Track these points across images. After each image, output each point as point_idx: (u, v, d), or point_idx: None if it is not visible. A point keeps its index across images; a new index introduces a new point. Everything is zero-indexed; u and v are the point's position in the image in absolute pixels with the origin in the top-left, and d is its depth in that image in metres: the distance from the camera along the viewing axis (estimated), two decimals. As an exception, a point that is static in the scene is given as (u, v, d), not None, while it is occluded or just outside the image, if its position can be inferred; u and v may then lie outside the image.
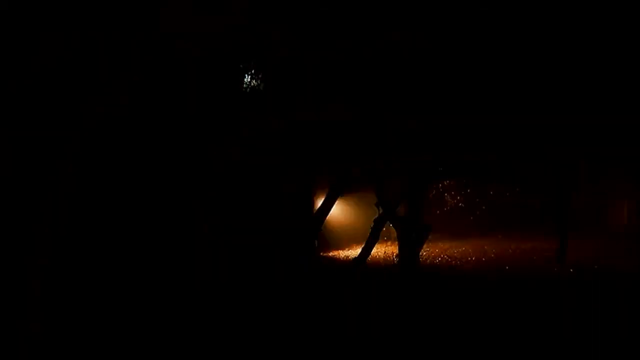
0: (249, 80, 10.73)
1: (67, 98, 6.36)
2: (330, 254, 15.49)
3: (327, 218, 12.68)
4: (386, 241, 17.40)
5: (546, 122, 9.38)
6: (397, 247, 12.13)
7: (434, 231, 14.29)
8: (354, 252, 14.98)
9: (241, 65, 10.48)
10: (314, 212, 12.68)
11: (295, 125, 9.80)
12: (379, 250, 15.19)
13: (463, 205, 19.97)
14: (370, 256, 12.48)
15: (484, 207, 19.85)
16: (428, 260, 13.30)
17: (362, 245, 12.33)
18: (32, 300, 6.17)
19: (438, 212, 19.27)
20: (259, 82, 10.73)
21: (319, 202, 12.69)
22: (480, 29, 7.85)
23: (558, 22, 7.89)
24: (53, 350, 6.12)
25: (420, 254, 12.10)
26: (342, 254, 15.59)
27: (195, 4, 6.32)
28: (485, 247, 15.56)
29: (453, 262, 13.13)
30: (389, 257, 14.10)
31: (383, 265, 12.74)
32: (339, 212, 16.92)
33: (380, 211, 11.90)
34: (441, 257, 13.90)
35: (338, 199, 12.83)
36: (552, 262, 12.23)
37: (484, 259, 13.32)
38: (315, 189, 14.05)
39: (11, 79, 6.03)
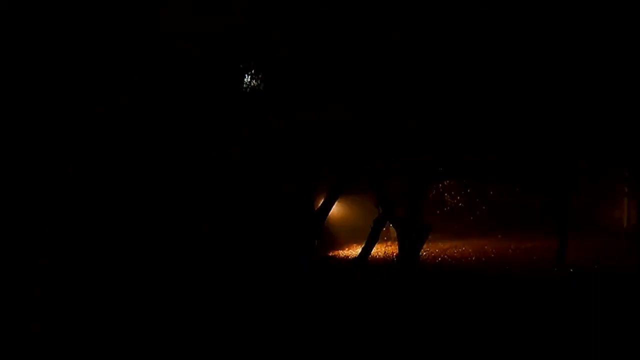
0: (249, 80, 10.74)
1: (67, 98, 6.36)
2: (331, 253, 15.49)
3: (327, 218, 12.68)
4: (386, 241, 17.39)
5: (546, 122, 9.38)
6: (397, 247, 12.13)
7: (434, 231, 14.27)
8: (354, 252, 14.98)
9: (241, 65, 10.49)
10: (314, 212, 12.68)
11: (295, 125, 9.80)
12: (379, 250, 15.19)
13: (463, 205, 19.94)
14: (370, 256, 12.49)
15: (484, 207, 19.82)
16: (428, 260, 13.30)
17: (362, 245, 12.34)
18: (32, 300, 6.17)
19: (438, 212, 19.24)
20: (259, 82, 10.75)
21: (319, 202, 12.70)
22: (480, 28, 7.86)
23: (558, 21, 7.89)
24: (53, 351, 6.12)
25: (420, 254, 12.09)
26: (342, 254, 15.59)
27: (195, 4, 6.32)
28: (485, 247, 15.55)
29: (453, 262, 13.13)
30: (389, 257, 14.10)
31: (383, 265, 12.74)
32: (339, 212, 16.92)
33: (380, 211, 11.91)
34: (441, 257, 13.90)
35: (338, 199, 12.84)
36: (552, 262, 12.22)
37: (484, 259, 13.32)
38: (316, 189, 14.07)
39: (11, 79, 6.03)
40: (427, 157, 11.00)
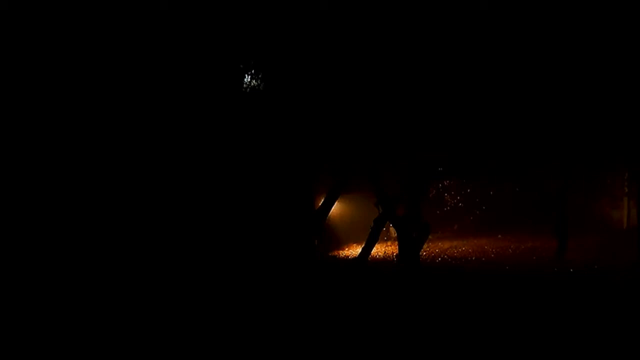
0: (249, 80, 10.77)
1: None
2: (331, 253, 15.48)
3: (328, 218, 12.68)
4: (386, 241, 17.39)
5: (546, 122, 9.39)
6: (397, 247, 12.13)
7: (433, 231, 14.26)
8: (354, 252, 14.97)
9: (241, 65, 10.51)
10: (314, 211, 12.69)
11: (295, 125, 9.83)
12: (379, 250, 15.18)
13: (463, 205, 19.92)
14: (370, 256, 12.49)
15: (484, 207, 19.81)
16: (428, 260, 13.29)
17: (362, 245, 12.34)
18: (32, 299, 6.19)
19: (438, 212, 19.23)
20: (259, 82, 10.77)
21: (320, 202, 12.70)
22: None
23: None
24: (53, 350, 6.13)
25: (420, 253, 12.09)
26: (343, 253, 15.59)
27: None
28: (485, 247, 15.54)
29: (453, 262, 13.12)
30: (389, 257, 14.10)
31: (383, 265, 12.73)
32: (339, 212, 16.90)
33: (380, 211, 11.91)
34: (441, 257, 13.90)
35: (338, 199, 12.85)
36: (552, 262, 12.23)
37: (484, 259, 13.30)
38: (316, 189, 14.10)
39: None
40: (427, 157, 11.03)
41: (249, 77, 10.67)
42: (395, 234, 12.43)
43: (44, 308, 7.44)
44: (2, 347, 6.07)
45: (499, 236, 17.91)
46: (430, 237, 13.23)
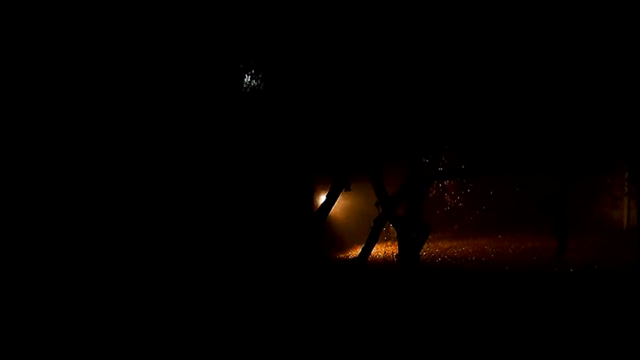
0: (249, 80, 10.78)
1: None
2: (333, 256, 15.46)
3: (331, 220, 12.64)
4: (386, 241, 17.37)
5: (546, 123, 9.38)
6: (397, 247, 12.12)
7: (433, 231, 14.25)
8: (355, 252, 14.96)
9: (241, 65, 10.51)
10: (314, 211, 12.69)
11: (295, 125, 9.82)
12: (379, 250, 15.17)
13: (463, 205, 19.91)
14: (370, 256, 12.48)
15: (484, 207, 19.79)
16: (428, 260, 13.29)
17: (362, 246, 12.32)
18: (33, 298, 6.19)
19: (438, 212, 19.22)
20: (259, 82, 10.78)
21: (320, 202, 12.70)
22: None
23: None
24: (53, 350, 6.13)
25: (420, 253, 12.09)
26: (343, 254, 15.58)
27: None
28: (485, 247, 15.53)
29: (453, 262, 13.12)
30: (389, 257, 14.09)
31: (383, 265, 12.73)
32: (341, 210, 16.87)
33: (380, 211, 11.90)
34: (441, 257, 13.90)
35: (339, 199, 12.84)
36: (552, 262, 12.23)
37: (484, 259, 13.30)
38: (316, 188, 14.09)
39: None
40: (427, 157, 11.03)
41: (249, 77, 10.68)
42: (395, 234, 12.42)
43: (43, 308, 7.45)
44: (2, 347, 6.08)
45: (499, 236, 17.91)
46: (430, 237, 13.23)
